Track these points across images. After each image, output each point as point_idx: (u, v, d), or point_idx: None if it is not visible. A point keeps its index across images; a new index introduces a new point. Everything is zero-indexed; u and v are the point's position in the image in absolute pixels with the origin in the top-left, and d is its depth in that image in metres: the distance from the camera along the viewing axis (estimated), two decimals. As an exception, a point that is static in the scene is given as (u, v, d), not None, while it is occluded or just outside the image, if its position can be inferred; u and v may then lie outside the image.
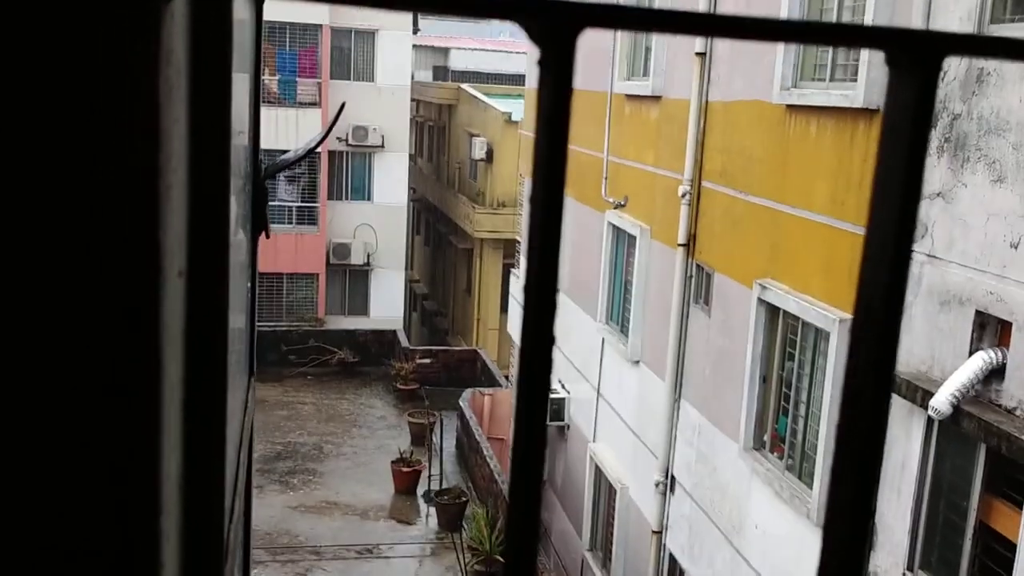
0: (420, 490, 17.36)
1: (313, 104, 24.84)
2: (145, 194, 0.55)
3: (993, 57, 0.48)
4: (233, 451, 1.28)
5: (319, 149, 24.64)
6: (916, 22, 6.78)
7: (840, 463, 0.47)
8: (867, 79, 7.36)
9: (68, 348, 0.56)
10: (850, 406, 0.46)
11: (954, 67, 6.42)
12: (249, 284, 1.71)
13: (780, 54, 8.64)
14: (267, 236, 1.78)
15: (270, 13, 26.07)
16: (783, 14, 8.58)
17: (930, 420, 6.49)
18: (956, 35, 0.46)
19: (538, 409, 0.42)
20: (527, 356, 0.41)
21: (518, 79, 31.54)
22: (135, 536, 0.61)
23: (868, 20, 7.37)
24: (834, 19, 8.13)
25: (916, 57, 0.44)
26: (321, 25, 24.85)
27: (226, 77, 0.93)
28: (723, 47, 10.00)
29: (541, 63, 0.39)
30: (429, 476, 17.26)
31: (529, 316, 0.40)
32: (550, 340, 0.42)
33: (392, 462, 17.58)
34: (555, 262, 0.40)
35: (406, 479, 17.31)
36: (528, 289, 0.40)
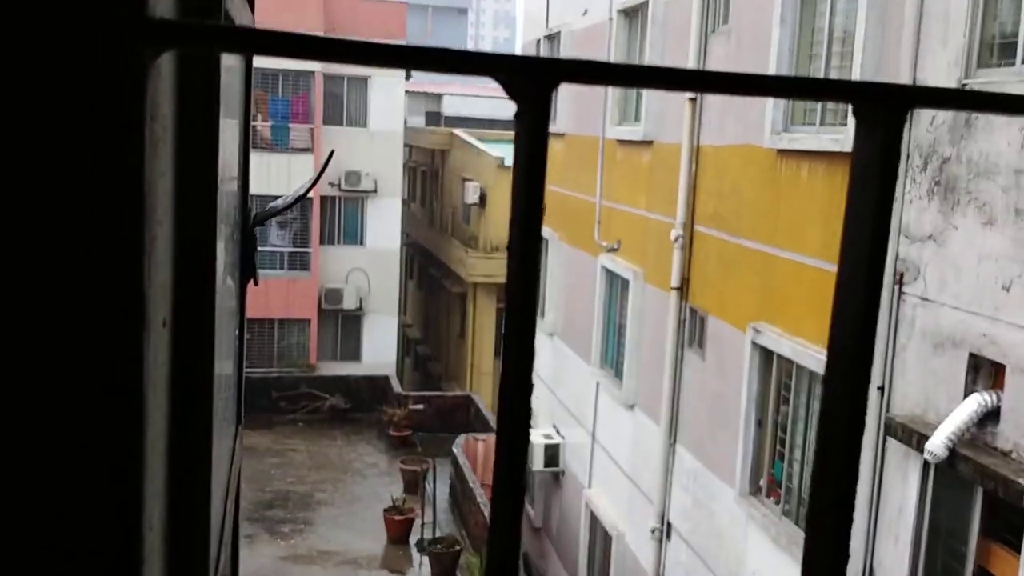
0: (413, 539, 17.15)
1: (306, 150, 24.98)
2: (129, 247, 0.56)
3: (958, 109, 0.50)
4: (219, 500, 1.25)
5: (311, 194, 24.72)
6: (904, 67, 6.86)
7: (818, 496, 0.48)
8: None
9: (49, 393, 0.56)
10: (826, 441, 0.48)
11: (942, 111, 6.48)
12: (237, 332, 1.69)
13: (771, 99, 8.73)
14: (255, 283, 1.76)
15: (262, 60, 26.39)
16: (772, 59, 8.69)
17: (926, 464, 6.45)
18: (921, 88, 0.48)
19: (518, 456, 0.43)
20: (506, 399, 0.42)
21: (511, 124, 31.66)
22: None
23: (856, 65, 7.45)
24: (823, 65, 8.24)
25: (881, 110, 0.45)
26: (314, 72, 25.09)
27: (213, 130, 0.94)
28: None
29: (517, 117, 0.42)
30: (422, 524, 17.06)
31: (508, 361, 0.41)
32: (528, 385, 0.43)
33: (384, 510, 17.39)
34: (532, 311, 0.41)
35: (399, 528, 17.12)
36: (507, 340, 0.41)
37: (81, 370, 0.56)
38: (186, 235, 0.82)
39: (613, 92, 12.73)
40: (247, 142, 1.91)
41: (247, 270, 1.71)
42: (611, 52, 12.74)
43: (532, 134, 0.41)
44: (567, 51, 14.66)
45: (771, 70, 8.70)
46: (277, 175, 23.68)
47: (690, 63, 10.29)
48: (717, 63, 10.02)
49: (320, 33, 28.66)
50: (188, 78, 0.83)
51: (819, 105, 8.28)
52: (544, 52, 15.66)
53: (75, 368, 0.56)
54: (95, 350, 0.56)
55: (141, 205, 0.55)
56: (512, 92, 0.41)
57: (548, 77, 0.41)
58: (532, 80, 0.41)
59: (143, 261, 0.56)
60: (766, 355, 8.89)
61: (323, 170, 3.26)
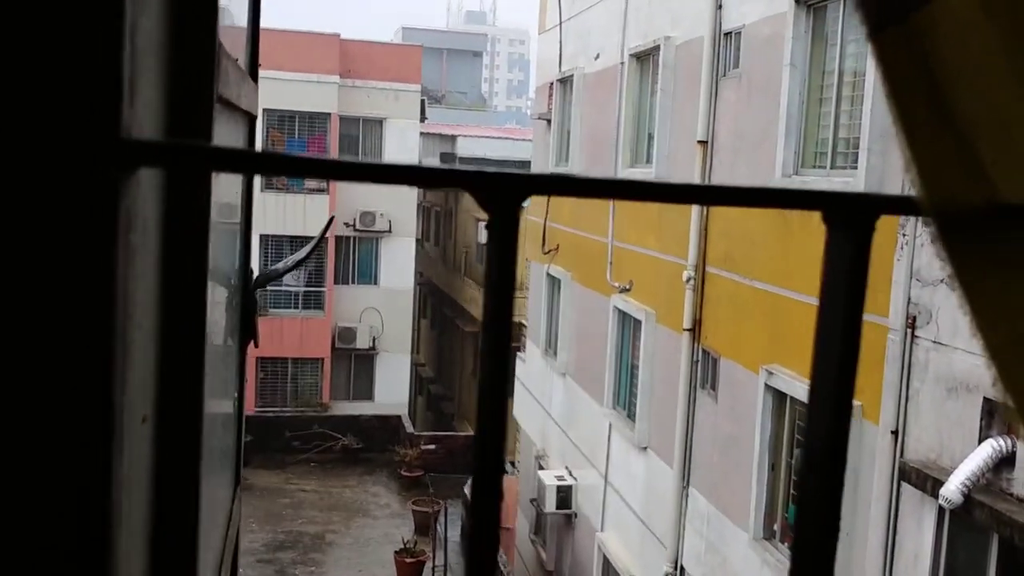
0: (424, 580, 17.01)
1: (320, 191, 25.18)
2: (96, 362, 0.54)
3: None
4: (212, 572, 1.25)
5: (326, 234, 24.87)
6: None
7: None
8: (867, 166, 7.45)
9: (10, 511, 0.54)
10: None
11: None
12: (236, 394, 1.71)
13: (781, 141, 8.77)
14: (256, 345, 1.78)
15: (279, 102, 26.16)
16: (782, 103, 8.74)
17: (941, 510, 6.37)
18: (889, 196, 0.48)
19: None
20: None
21: (524, 165, 31.99)
22: None
23: (867, 108, 7.49)
24: (833, 108, 8.27)
25: (850, 218, 0.47)
26: (330, 114, 25.35)
27: (203, 239, 0.93)
28: (725, 135, 10.15)
29: (488, 226, 0.44)
30: (433, 567, 16.92)
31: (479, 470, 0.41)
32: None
33: (395, 552, 17.26)
34: (503, 413, 0.42)
35: (410, 570, 16.97)
36: (479, 436, 0.42)
37: (49, 475, 0.54)
38: (173, 330, 0.81)
39: (625, 133, 12.81)
40: (250, 203, 1.92)
41: (247, 332, 1.72)
42: (623, 95, 12.84)
43: (501, 243, 0.43)
44: (579, 94, 14.79)
45: (781, 114, 8.75)
46: (293, 216, 23.86)
47: (701, 107, 10.37)
48: (728, 107, 10.09)
49: (336, 77, 28.59)
50: (176, 190, 0.81)
51: (830, 148, 8.32)
52: (557, 94, 15.80)
53: (42, 471, 0.54)
54: (64, 451, 0.54)
55: (111, 317, 0.54)
56: (484, 204, 0.43)
57: (515, 191, 0.43)
58: (501, 194, 0.43)
59: (113, 370, 0.55)
60: (779, 397, 8.84)
61: (323, 235, 3.31)
